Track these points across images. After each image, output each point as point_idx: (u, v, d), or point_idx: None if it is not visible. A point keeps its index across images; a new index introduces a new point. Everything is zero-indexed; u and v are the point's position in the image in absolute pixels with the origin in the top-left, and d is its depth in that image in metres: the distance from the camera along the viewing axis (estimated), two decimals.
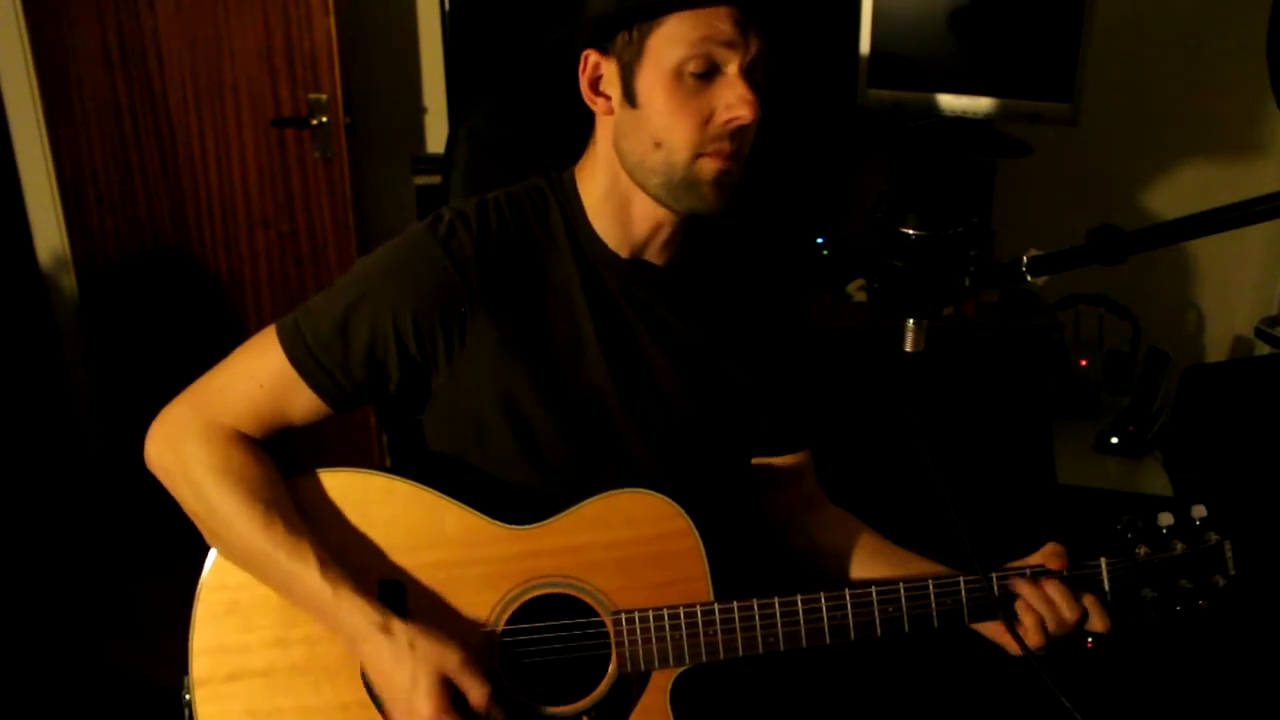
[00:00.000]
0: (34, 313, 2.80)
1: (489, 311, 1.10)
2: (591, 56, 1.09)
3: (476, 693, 1.05)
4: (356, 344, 1.09)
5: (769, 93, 1.07)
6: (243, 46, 2.50)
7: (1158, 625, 1.12)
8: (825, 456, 1.36)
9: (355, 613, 1.05)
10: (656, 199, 1.10)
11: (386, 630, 1.05)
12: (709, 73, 1.03)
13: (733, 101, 1.03)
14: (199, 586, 1.12)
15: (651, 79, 1.04)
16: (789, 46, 1.10)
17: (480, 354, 1.11)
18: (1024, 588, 1.11)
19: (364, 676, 1.10)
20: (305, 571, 1.06)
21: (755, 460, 1.30)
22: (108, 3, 2.49)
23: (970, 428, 2.12)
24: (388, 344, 1.09)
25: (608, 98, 1.09)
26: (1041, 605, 1.10)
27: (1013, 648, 1.11)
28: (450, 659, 1.05)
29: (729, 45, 1.02)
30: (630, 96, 1.07)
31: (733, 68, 1.03)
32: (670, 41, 1.03)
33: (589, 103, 1.11)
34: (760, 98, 1.04)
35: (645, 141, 1.06)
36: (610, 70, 1.08)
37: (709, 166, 1.06)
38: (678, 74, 1.03)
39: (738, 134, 1.05)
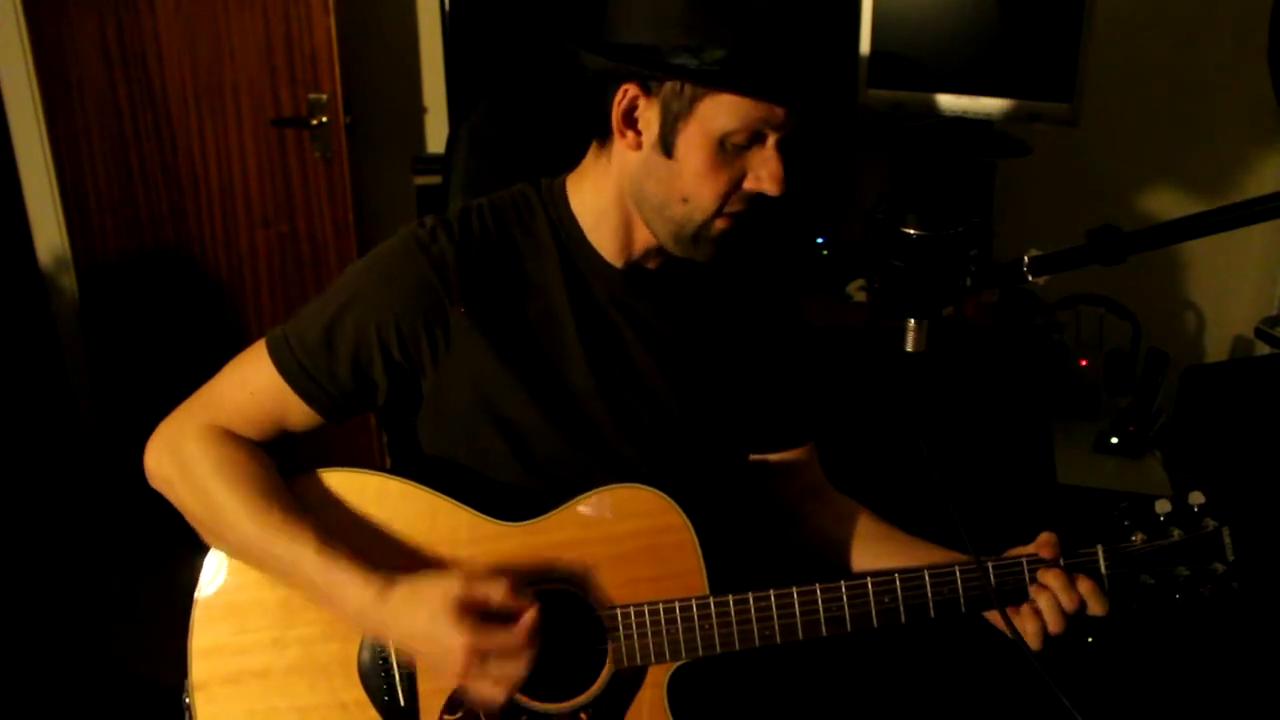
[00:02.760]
0: (34, 313, 2.80)
1: (471, 315, 1.11)
2: (631, 90, 1.05)
3: (497, 592, 1.04)
4: (342, 352, 1.10)
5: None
6: (243, 46, 2.50)
7: (1159, 613, 1.12)
8: (825, 456, 1.36)
9: (354, 583, 1.05)
10: (657, 238, 1.12)
11: (389, 586, 1.05)
12: (748, 145, 1.05)
13: (764, 176, 1.06)
14: (196, 590, 1.12)
15: (695, 139, 1.04)
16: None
17: (465, 357, 1.12)
18: (1042, 583, 1.10)
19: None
20: (303, 552, 1.06)
21: (760, 456, 1.30)
22: (108, 3, 2.49)
23: (970, 428, 2.12)
24: (371, 351, 1.10)
25: (638, 134, 1.08)
26: (1047, 602, 1.09)
27: (1032, 642, 1.09)
28: (455, 580, 1.04)
29: (777, 127, 1.05)
30: (667, 147, 1.06)
31: (771, 140, 1.06)
32: (724, 111, 1.03)
33: (615, 131, 1.08)
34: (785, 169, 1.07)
35: (671, 194, 1.07)
36: (650, 112, 1.06)
37: (720, 226, 1.09)
38: (721, 141, 1.04)
39: (756, 200, 1.08)
